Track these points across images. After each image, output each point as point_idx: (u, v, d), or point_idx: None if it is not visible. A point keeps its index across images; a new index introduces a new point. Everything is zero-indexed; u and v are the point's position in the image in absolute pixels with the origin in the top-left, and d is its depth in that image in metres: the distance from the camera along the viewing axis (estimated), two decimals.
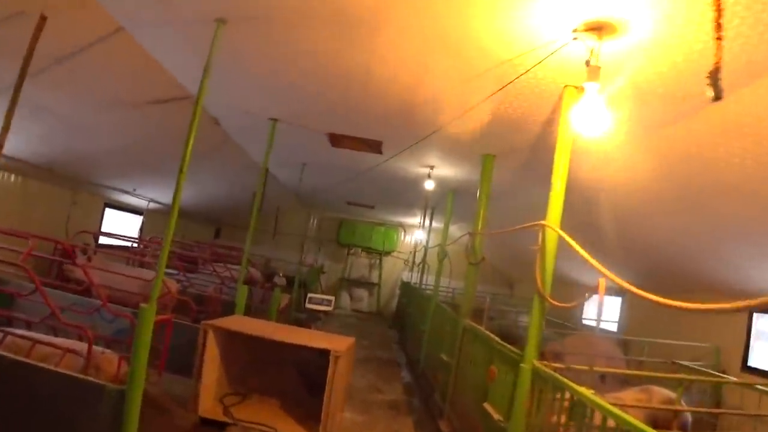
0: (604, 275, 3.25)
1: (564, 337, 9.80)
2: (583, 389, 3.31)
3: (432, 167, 8.46)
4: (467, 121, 5.93)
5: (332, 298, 7.31)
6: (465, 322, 6.61)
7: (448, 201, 9.99)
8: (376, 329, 15.12)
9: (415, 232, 18.79)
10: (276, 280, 10.11)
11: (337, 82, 5.48)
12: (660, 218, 6.89)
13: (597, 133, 3.81)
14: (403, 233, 19.88)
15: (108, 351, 5.30)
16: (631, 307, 11.21)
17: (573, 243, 3.67)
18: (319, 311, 7.48)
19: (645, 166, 5.90)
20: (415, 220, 17.26)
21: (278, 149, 9.21)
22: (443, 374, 7.31)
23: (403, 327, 15.06)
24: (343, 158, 9.07)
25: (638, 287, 3.09)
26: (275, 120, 7.27)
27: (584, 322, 13.40)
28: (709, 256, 6.96)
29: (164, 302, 8.74)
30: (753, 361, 7.25)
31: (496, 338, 5.18)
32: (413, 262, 16.89)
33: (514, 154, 6.93)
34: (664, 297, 2.70)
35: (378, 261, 19.72)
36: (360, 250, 19.57)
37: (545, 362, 4.22)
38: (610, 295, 12.44)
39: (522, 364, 4.17)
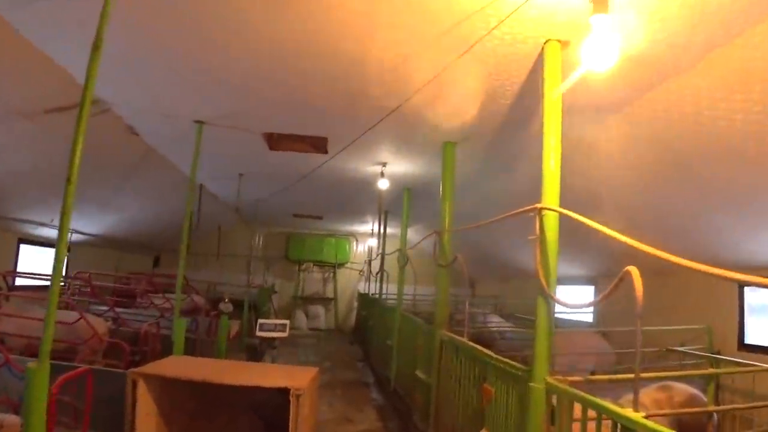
0: (649, 253, 2.50)
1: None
2: (627, 411, 2.55)
3: (385, 164, 7.66)
4: (425, 102, 5.16)
5: (286, 322, 6.35)
6: (442, 333, 5.81)
7: (405, 200, 9.21)
8: (337, 347, 14.17)
9: (368, 240, 17.99)
10: (221, 306, 9.04)
11: (268, 67, 4.60)
12: (643, 189, 6.29)
13: (610, 64, 3.10)
14: (355, 243, 19.00)
15: (12, 416, 4.30)
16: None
17: (590, 222, 2.93)
18: (272, 339, 6.49)
19: (623, 131, 5.30)
20: (367, 227, 16.43)
21: (210, 159, 8.22)
22: (422, 394, 6.48)
23: (366, 342, 14.15)
24: (285, 163, 8.15)
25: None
26: (201, 123, 6.29)
27: (555, 316, 12.89)
28: (699, 228, 6.42)
29: (92, 346, 7.60)
30: (749, 338, 6.77)
31: (488, 351, 4.39)
32: (369, 272, 16.03)
33: (477, 139, 6.23)
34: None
35: (332, 274, 18.76)
36: (311, 264, 18.57)
37: (558, 377, 3.45)
38: (581, 283, 11.97)
39: (532, 383, 3.39)
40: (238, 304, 13.69)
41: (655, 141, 5.22)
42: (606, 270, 10.80)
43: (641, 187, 6.24)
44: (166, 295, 12.32)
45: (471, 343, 4.86)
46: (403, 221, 9.12)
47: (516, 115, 5.33)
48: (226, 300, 9.12)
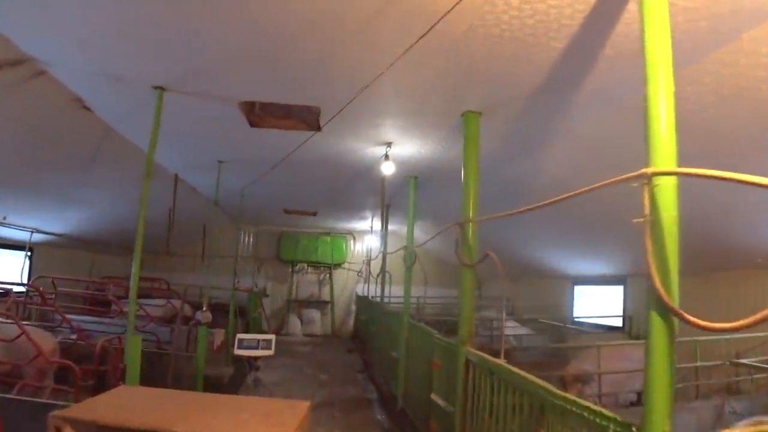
0: None
1: (576, 350, 7.99)
2: None
3: (389, 144, 6.43)
4: (441, 56, 3.94)
5: (271, 337, 5.18)
6: (468, 351, 4.60)
7: (411, 190, 7.99)
8: (334, 356, 12.93)
9: (366, 238, 16.77)
10: (198, 316, 7.79)
11: (242, 14, 3.38)
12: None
13: None
14: (353, 241, 17.77)
15: None
16: (641, 293, 9.56)
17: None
18: (254, 358, 5.25)
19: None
20: (365, 224, 15.21)
21: (184, 144, 7.04)
22: (439, 423, 5.28)
23: (367, 350, 12.94)
24: (271, 146, 6.93)
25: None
26: (161, 89, 5.05)
27: (576, 320, 11.72)
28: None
29: (39, 367, 6.40)
30: None
31: (547, 385, 3.17)
32: (369, 273, 14.82)
33: (505, 108, 5.03)
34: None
35: (328, 276, 17.53)
36: (306, 265, 17.35)
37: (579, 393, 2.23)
38: (606, 283, 10.79)
39: None
40: (225, 310, 12.50)
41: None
42: (636, 268, 9.63)
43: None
44: (142, 301, 11.13)
45: (516, 369, 3.64)
46: (410, 214, 7.91)
47: (562, 73, 4.13)
48: (204, 308, 7.85)
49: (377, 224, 14.48)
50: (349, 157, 7.31)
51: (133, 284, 4.95)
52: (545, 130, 5.59)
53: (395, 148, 6.56)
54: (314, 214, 13.42)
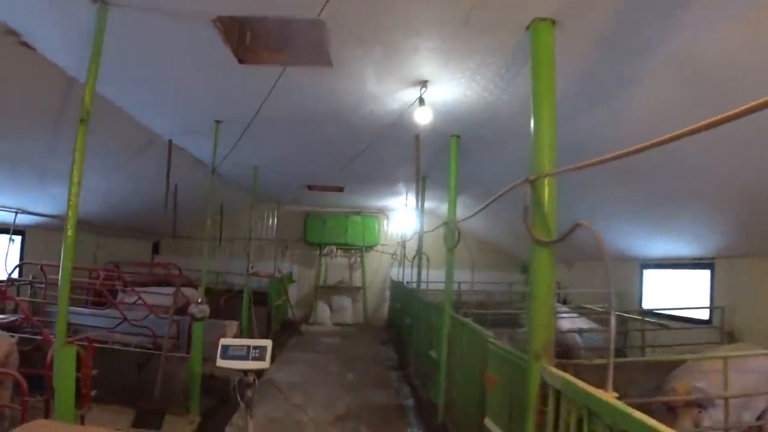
0: None
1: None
2: None
3: (425, 84, 4.89)
4: None
5: (266, 343, 3.77)
6: (547, 370, 3.09)
7: (453, 151, 6.46)
8: (365, 349, 11.57)
9: (401, 217, 15.31)
10: (192, 309, 6.48)
11: None
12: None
13: None
14: (385, 221, 16.31)
15: None
16: (735, 279, 7.85)
17: None
18: (243, 371, 3.87)
19: None
20: (398, 201, 13.73)
21: (163, 94, 5.64)
22: None
23: (402, 343, 11.54)
24: (273, 95, 5.47)
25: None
26: (104, 2, 3.63)
27: (644, 307, 9.96)
28: None
29: None
30: None
31: None
32: (404, 256, 13.36)
33: (590, 17, 3.46)
34: None
35: (359, 259, 16.14)
36: (335, 248, 15.97)
37: None
38: (690, 267, 9.05)
39: None
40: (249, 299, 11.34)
41: None
42: (728, 249, 7.91)
43: None
44: (141, 289, 9.97)
45: (642, 417, 2.12)
46: (452, 181, 6.39)
47: None
48: (201, 300, 6.53)
49: (412, 201, 12.99)
50: (374, 107, 5.80)
51: (63, 276, 3.54)
52: (643, 51, 3.97)
53: (432, 90, 5.02)
54: (341, 189, 11.99)
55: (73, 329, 7.89)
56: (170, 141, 7.43)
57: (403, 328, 11.44)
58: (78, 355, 5.49)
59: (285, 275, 14.26)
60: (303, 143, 7.83)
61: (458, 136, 6.48)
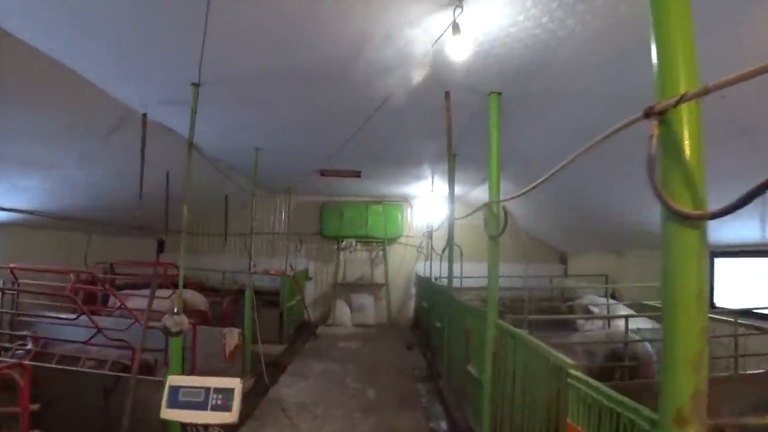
0: None
1: None
2: None
3: (460, 3, 3.49)
4: None
5: (234, 384, 2.42)
6: None
7: (493, 110, 5.06)
8: (388, 356, 10.26)
9: (426, 205, 13.95)
10: (166, 321, 5.18)
11: None
12: None
13: None
14: (409, 210, 14.94)
15: None
16: None
17: None
18: (203, 427, 2.58)
19: None
20: (423, 186, 12.35)
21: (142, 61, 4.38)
22: None
23: (431, 348, 10.22)
24: (263, 39, 4.15)
25: None
26: None
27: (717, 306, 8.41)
28: None
29: None
30: None
31: None
32: (431, 248, 12.00)
33: None
34: None
35: (381, 253, 14.80)
36: (354, 241, 14.64)
37: None
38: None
39: None
40: (262, 299, 10.14)
41: None
42: None
43: None
44: (130, 293, 8.83)
45: None
46: (493, 151, 5.00)
47: None
48: (176, 310, 5.25)
49: (439, 186, 11.62)
50: (391, 55, 4.43)
51: None
52: None
53: (469, 12, 3.62)
54: (358, 174, 10.65)
55: (42, 343, 6.77)
56: (144, 115, 6.16)
57: (432, 330, 10.10)
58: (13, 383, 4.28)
59: (299, 272, 13.02)
60: (309, 115, 6.51)
61: (499, 94, 5.08)
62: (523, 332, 4.07)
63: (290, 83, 5.32)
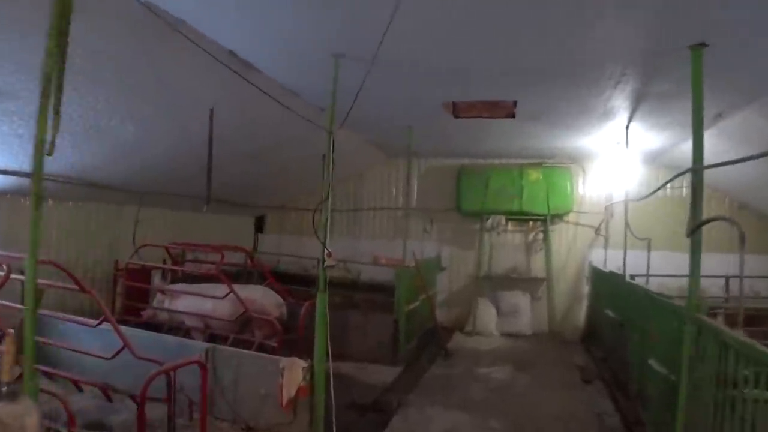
0: None
1: None
2: None
3: None
4: None
5: None
6: None
7: None
8: (556, 398, 6.85)
9: (607, 167, 10.13)
10: None
11: None
12: None
13: None
14: (581, 177, 11.05)
15: None
16: None
17: None
18: None
19: None
20: (606, 136, 8.52)
21: None
22: None
23: (619, 380, 6.67)
24: None
25: None
26: None
27: None
28: None
29: None
30: None
31: None
32: (624, 232, 8.13)
33: None
34: None
35: (541, 236, 11.12)
36: (503, 219, 11.09)
37: None
38: None
39: None
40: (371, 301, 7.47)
41: None
42: None
43: None
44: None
45: None
46: None
47: None
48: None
49: (634, 132, 7.80)
50: None
51: None
52: None
53: None
54: (512, 109, 7.00)
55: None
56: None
57: (625, 352, 6.53)
58: None
59: (427, 262, 9.87)
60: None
61: None
62: None
63: None
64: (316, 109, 6.94)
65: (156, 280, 7.86)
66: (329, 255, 5.02)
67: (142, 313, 7.64)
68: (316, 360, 5.12)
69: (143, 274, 7.93)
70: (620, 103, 6.65)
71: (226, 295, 6.81)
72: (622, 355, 6.92)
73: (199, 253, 9.04)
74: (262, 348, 6.80)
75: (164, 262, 8.57)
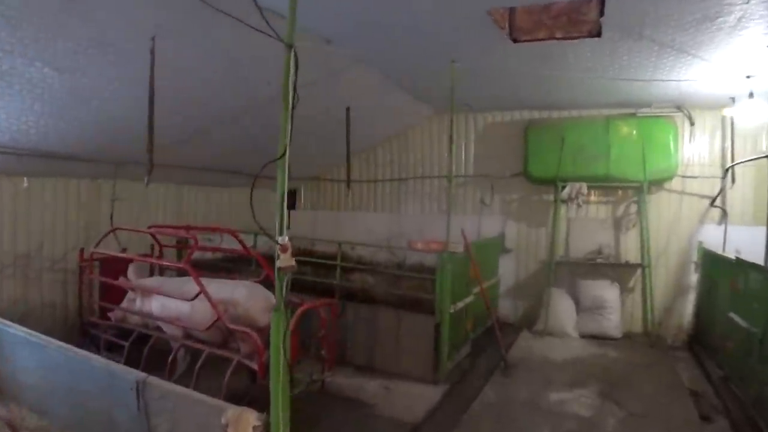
0: None
1: None
2: None
3: None
4: None
5: None
6: None
7: None
8: None
9: (728, 111, 7.72)
10: None
11: None
12: None
13: None
14: (688, 128, 8.58)
15: None
16: None
17: None
18: None
19: None
20: (735, 63, 6.14)
21: None
22: None
23: (749, 415, 4.55)
24: None
25: None
26: None
27: None
28: None
29: None
30: None
31: None
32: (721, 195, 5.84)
33: None
34: None
35: (635, 208, 8.79)
36: (584, 187, 8.79)
37: None
38: None
39: None
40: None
41: None
42: None
43: None
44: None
45: None
46: None
47: None
48: None
49: None
50: None
51: None
52: None
53: None
54: (597, 27, 4.83)
55: None
56: None
57: (758, 372, 4.42)
58: None
59: (484, 243, 7.85)
60: None
61: None
62: None
63: None
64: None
65: (130, 273, 6.30)
66: (283, 250, 3.15)
67: (109, 314, 6.21)
68: (273, 414, 3.31)
69: (121, 265, 6.41)
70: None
71: (196, 296, 5.14)
72: (762, 381, 4.75)
73: (207, 238, 7.46)
74: (240, 370, 5.12)
75: (152, 249, 7.10)
